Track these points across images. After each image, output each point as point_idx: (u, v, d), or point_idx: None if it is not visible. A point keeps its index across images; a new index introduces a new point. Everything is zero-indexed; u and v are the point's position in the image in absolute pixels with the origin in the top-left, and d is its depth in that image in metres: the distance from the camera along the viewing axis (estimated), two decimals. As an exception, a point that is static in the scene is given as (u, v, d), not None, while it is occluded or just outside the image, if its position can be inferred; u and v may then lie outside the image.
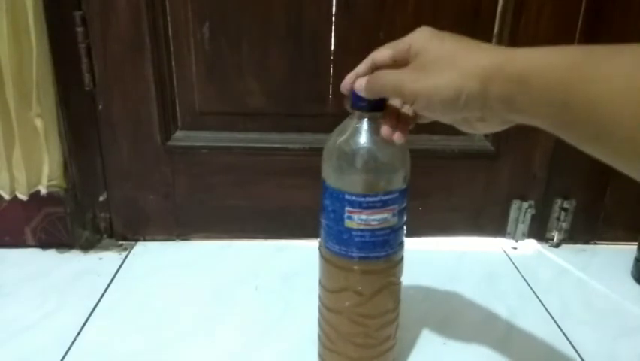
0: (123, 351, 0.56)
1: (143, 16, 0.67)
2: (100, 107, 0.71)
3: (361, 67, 0.44)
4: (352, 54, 0.71)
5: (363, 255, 0.45)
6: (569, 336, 0.60)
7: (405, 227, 0.48)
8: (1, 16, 0.60)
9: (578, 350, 0.58)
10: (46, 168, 0.69)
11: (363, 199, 0.43)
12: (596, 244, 0.82)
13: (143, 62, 0.69)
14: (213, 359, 0.56)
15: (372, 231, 0.44)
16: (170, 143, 0.74)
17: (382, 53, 0.43)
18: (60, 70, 0.67)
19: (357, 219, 0.44)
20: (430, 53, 0.38)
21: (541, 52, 0.33)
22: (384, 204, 0.44)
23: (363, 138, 0.44)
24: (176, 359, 0.55)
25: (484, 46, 0.37)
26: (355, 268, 0.46)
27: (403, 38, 0.40)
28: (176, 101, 0.73)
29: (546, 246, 0.81)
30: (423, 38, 0.39)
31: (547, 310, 0.65)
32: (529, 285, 0.70)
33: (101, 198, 0.76)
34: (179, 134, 0.75)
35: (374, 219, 0.44)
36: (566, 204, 0.79)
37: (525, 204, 0.80)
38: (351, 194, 0.44)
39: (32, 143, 0.67)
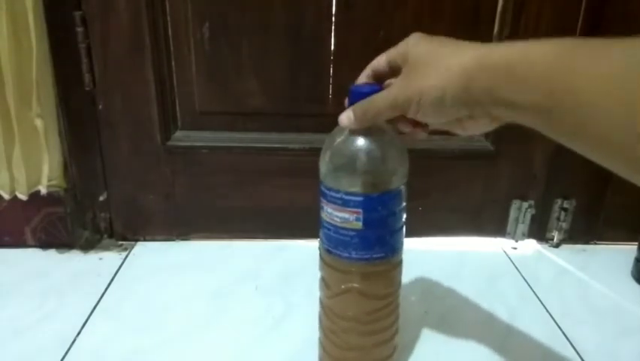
0: (123, 351, 0.56)
1: (143, 16, 0.67)
2: (100, 107, 0.71)
3: (362, 77, 0.45)
4: (352, 54, 0.71)
5: (327, 248, 0.47)
6: (568, 336, 0.60)
7: (386, 241, 0.46)
8: (1, 16, 0.60)
9: (578, 350, 0.58)
10: (46, 168, 0.69)
11: (327, 192, 0.45)
12: (596, 244, 0.82)
13: (143, 62, 0.69)
14: (213, 359, 0.56)
15: (336, 228, 0.45)
16: (170, 143, 0.74)
17: (379, 60, 0.43)
18: (60, 70, 0.67)
19: (326, 211, 0.46)
20: (416, 58, 0.39)
21: (525, 43, 0.33)
22: (344, 204, 0.44)
23: (344, 135, 0.44)
24: (176, 359, 0.55)
25: (468, 45, 0.37)
26: (324, 257, 0.48)
27: (398, 45, 0.41)
28: (176, 101, 0.73)
29: (546, 246, 0.81)
30: (412, 44, 0.40)
31: (547, 310, 0.65)
32: (529, 285, 0.70)
33: (101, 198, 0.76)
34: (179, 134, 0.75)
35: (337, 216, 0.44)
36: (566, 204, 0.79)
37: (525, 204, 0.80)
38: (323, 184, 0.45)
39: (32, 143, 0.67)
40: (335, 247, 0.46)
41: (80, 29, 0.66)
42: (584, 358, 0.57)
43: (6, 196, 0.69)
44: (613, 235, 0.81)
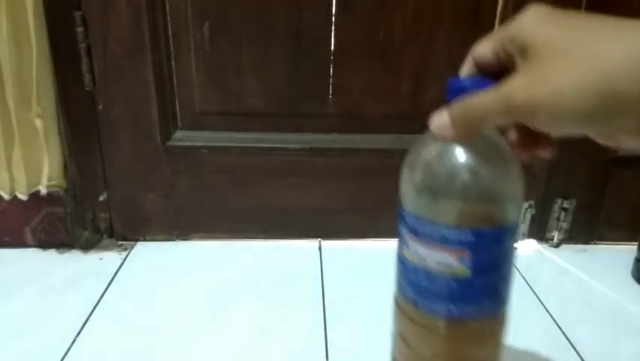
0: (123, 351, 0.56)
1: (143, 16, 0.67)
2: (100, 107, 0.71)
3: (465, 68, 0.33)
4: (352, 54, 0.71)
5: (415, 298, 0.35)
6: (568, 336, 0.60)
7: (496, 291, 0.35)
8: (1, 16, 0.60)
9: (578, 350, 0.58)
10: (46, 168, 0.69)
11: (417, 224, 0.33)
12: (596, 244, 0.82)
13: (143, 62, 0.69)
14: (213, 359, 0.56)
15: (428, 273, 0.34)
16: (170, 143, 0.74)
17: (482, 48, 0.31)
18: (60, 70, 0.67)
19: (412, 250, 0.34)
20: (543, 44, 0.26)
21: None
22: (445, 242, 0.32)
23: (439, 145, 0.33)
24: (176, 359, 0.55)
25: (623, 24, 0.26)
26: (406, 310, 0.36)
27: (509, 24, 0.29)
28: (176, 101, 0.73)
29: (546, 246, 0.81)
30: (531, 24, 0.28)
31: (547, 310, 0.65)
32: (529, 285, 0.70)
33: (101, 198, 0.76)
34: (179, 134, 0.75)
35: (431, 258, 0.33)
36: (566, 204, 0.79)
37: (525, 204, 0.79)
38: (410, 214, 0.34)
39: (32, 143, 0.67)
40: (426, 298, 0.34)
41: (79, 29, 0.66)
42: (584, 358, 0.57)
43: (6, 196, 0.69)
44: (613, 235, 0.81)
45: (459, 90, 0.30)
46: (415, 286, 0.35)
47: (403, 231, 0.35)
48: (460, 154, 0.32)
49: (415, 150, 0.35)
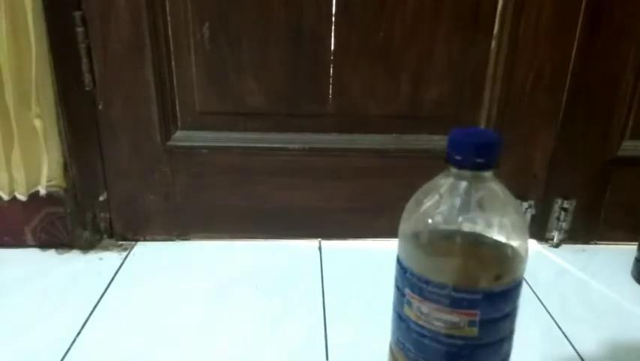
0: (123, 351, 0.56)
1: (143, 16, 0.67)
2: (100, 107, 0.71)
3: None
4: (352, 54, 0.71)
5: (417, 357, 0.34)
6: (568, 336, 0.60)
7: (502, 350, 0.34)
8: (0, 17, 0.60)
9: (577, 350, 0.58)
10: (46, 168, 0.69)
11: (424, 286, 0.31)
12: (596, 244, 0.82)
13: (143, 62, 0.69)
14: (213, 359, 0.56)
15: (435, 334, 0.32)
16: (170, 143, 0.74)
17: None
18: (60, 70, 0.67)
19: (417, 310, 0.32)
20: None
21: None
22: (454, 304, 0.31)
23: (445, 201, 0.32)
24: (176, 359, 0.55)
25: None
26: None
27: None
28: (176, 101, 0.73)
29: (546, 246, 0.81)
30: None
31: (547, 310, 0.65)
32: (529, 285, 0.70)
33: (101, 198, 0.76)
34: (179, 134, 0.75)
35: (438, 319, 0.32)
36: (566, 204, 0.79)
37: (525, 204, 0.79)
38: (414, 274, 0.32)
39: (31, 143, 0.67)
40: (431, 357, 0.33)
41: (79, 29, 0.66)
42: (584, 358, 0.57)
43: (5, 197, 0.69)
44: (613, 235, 0.81)
45: (464, 145, 0.29)
46: (417, 345, 0.33)
47: (405, 289, 0.33)
48: (472, 215, 0.31)
49: (413, 203, 0.32)
